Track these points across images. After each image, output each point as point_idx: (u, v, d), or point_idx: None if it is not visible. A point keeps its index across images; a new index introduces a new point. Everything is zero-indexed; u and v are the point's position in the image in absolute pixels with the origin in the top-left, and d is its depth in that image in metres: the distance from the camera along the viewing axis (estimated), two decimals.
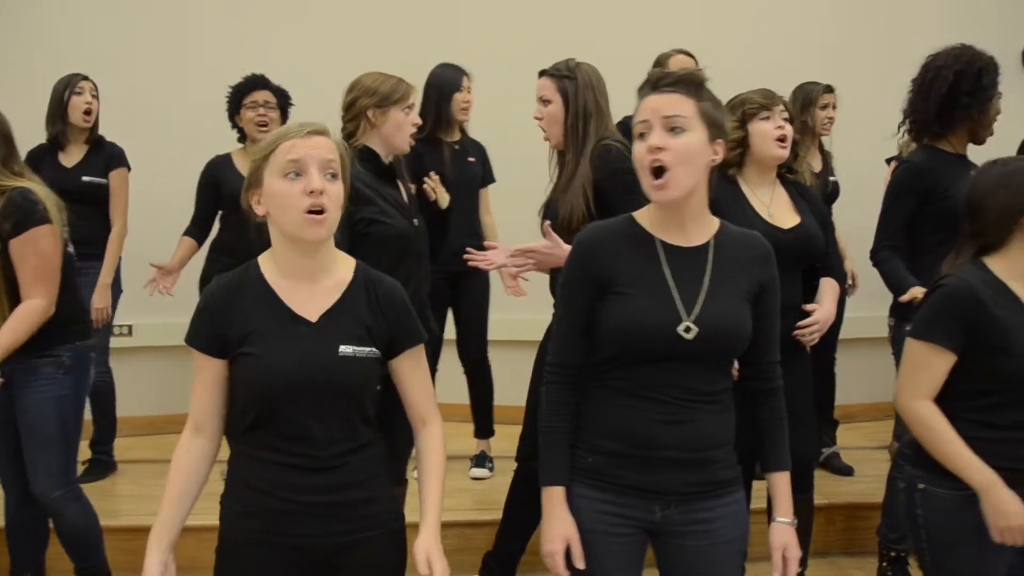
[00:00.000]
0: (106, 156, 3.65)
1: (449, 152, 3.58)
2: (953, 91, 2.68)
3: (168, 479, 1.69)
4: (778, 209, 2.64)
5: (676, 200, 1.68)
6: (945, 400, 1.92)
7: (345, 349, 1.65)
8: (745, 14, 4.53)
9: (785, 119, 2.62)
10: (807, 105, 3.72)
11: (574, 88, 2.57)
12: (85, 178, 3.59)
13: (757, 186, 2.65)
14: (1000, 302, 1.89)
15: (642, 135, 1.69)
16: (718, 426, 1.73)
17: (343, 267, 1.74)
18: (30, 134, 3.32)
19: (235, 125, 3.62)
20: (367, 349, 1.68)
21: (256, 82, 3.58)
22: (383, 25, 4.40)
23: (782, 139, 2.59)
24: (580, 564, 1.70)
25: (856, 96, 3.98)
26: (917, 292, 2.47)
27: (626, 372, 1.71)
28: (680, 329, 1.67)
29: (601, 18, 4.42)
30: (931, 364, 1.91)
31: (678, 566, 1.76)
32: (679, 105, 1.66)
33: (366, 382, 1.69)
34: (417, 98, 2.65)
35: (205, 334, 1.67)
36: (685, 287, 1.70)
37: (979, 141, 2.77)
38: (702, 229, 1.76)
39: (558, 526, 1.72)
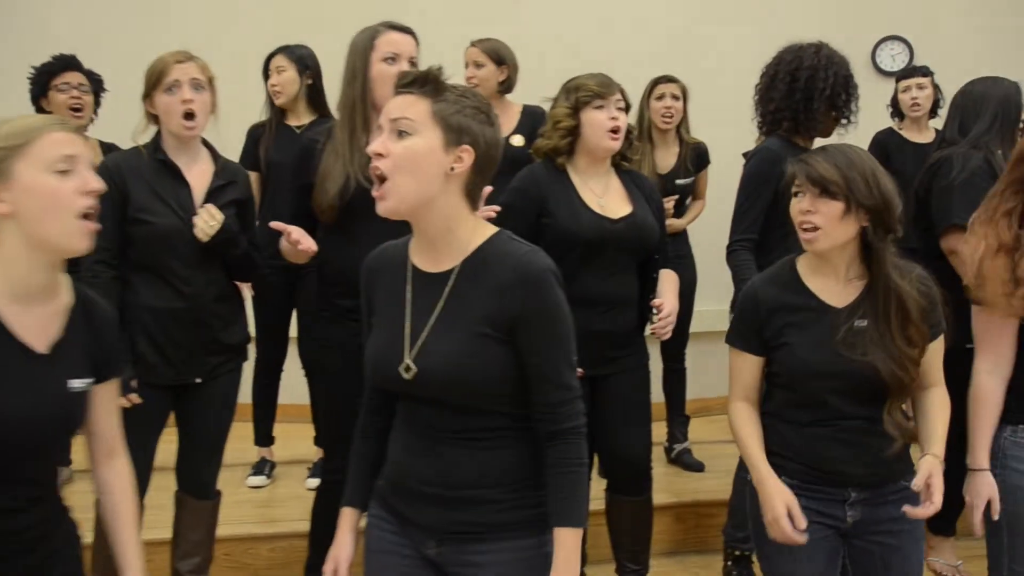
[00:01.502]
0: None
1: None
2: (820, 89, 2.62)
3: None
4: (610, 199, 2.54)
5: (397, 211, 1.48)
6: (764, 400, 1.92)
7: (75, 384, 1.50)
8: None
9: (620, 108, 2.52)
10: (645, 96, 3.68)
11: None
12: None
13: (589, 176, 2.55)
14: (790, 302, 1.83)
15: None
16: (487, 465, 1.54)
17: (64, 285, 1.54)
18: None
19: (40, 109, 3.23)
20: (88, 381, 1.53)
21: (68, 62, 3.25)
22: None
23: (615, 130, 2.49)
24: None
25: (709, 88, 3.98)
26: None
27: (394, 403, 1.61)
28: (400, 369, 1.51)
29: None
30: (737, 367, 1.92)
31: None
32: (409, 107, 1.47)
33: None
34: (185, 73, 2.38)
35: None
36: (418, 320, 1.52)
37: (826, 135, 2.72)
38: (454, 252, 1.52)
39: (335, 548, 1.66)
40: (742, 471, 2.72)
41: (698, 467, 3.68)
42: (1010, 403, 1.95)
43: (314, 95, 3.40)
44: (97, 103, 3.31)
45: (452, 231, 1.51)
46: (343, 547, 1.64)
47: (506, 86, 3.39)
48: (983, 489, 1.93)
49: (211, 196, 2.42)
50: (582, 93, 2.49)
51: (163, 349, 2.39)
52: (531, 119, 3.30)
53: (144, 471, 2.32)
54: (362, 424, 1.68)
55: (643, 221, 2.54)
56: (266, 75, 3.45)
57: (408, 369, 1.51)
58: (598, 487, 2.67)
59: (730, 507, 3.00)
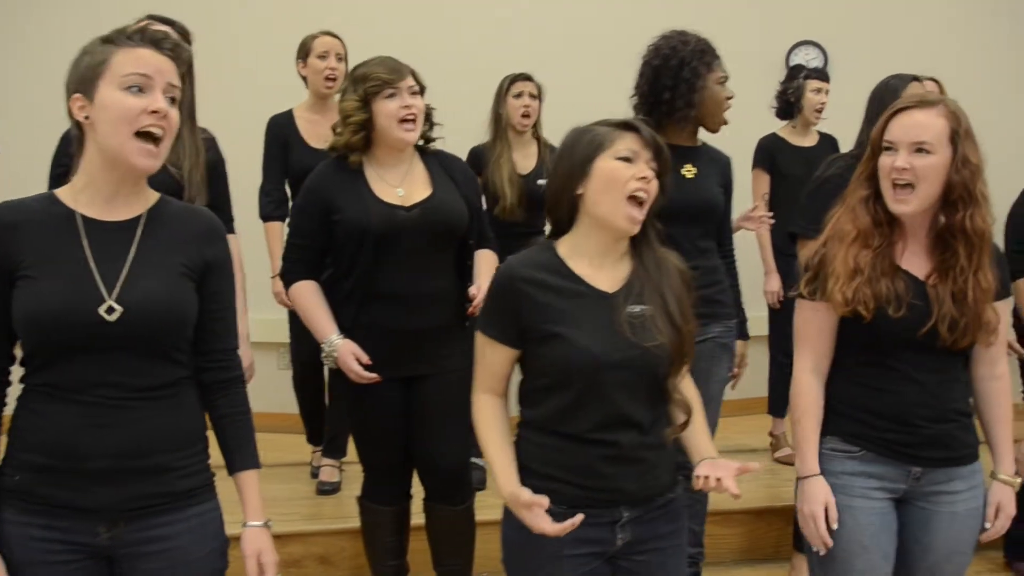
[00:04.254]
0: None
1: None
2: (659, 81, 2.47)
3: None
4: (410, 186, 2.38)
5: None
6: (526, 409, 1.71)
7: None
8: None
9: (414, 93, 2.33)
10: (499, 95, 3.52)
11: None
12: None
13: (388, 166, 2.38)
14: (555, 285, 1.64)
15: None
16: (169, 426, 1.51)
17: None
18: None
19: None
20: None
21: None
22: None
23: (408, 119, 2.31)
24: None
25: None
26: None
27: (46, 372, 1.47)
28: (102, 310, 1.44)
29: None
30: (488, 358, 1.72)
31: None
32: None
33: None
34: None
35: None
36: (109, 266, 1.48)
37: (710, 128, 2.57)
38: (133, 202, 1.53)
39: None
40: None
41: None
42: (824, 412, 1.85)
43: None
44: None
45: (139, 184, 1.54)
46: None
47: None
48: (819, 494, 1.80)
49: None
50: (370, 83, 2.30)
51: None
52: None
53: None
54: None
55: (441, 204, 2.37)
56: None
57: (111, 311, 1.45)
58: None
59: None
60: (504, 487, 1.62)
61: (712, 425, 2.76)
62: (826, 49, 4.62)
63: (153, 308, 1.47)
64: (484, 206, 2.61)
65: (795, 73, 3.91)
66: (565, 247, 1.69)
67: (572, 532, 1.58)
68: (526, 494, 1.56)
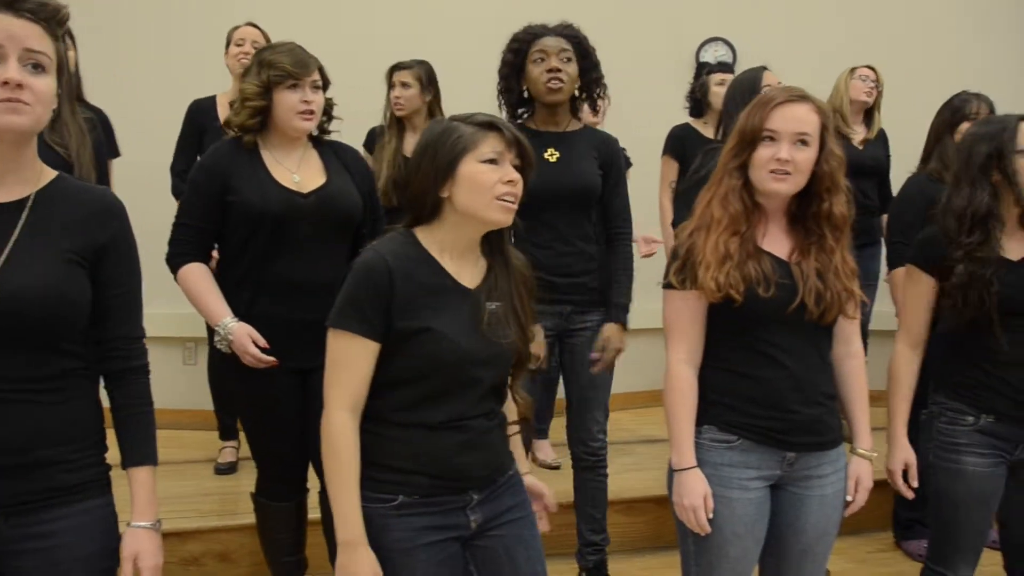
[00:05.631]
0: None
1: None
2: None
3: None
4: (305, 173, 2.36)
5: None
6: (381, 397, 1.62)
7: None
8: None
9: (316, 88, 2.34)
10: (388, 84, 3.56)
11: None
12: None
13: (284, 153, 2.36)
14: (424, 279, 1.62)
15: None
16: (54, 419, 1.43)
17: None
18: None
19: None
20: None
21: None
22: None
23: (308, 113, 2.31)
24: None
25: None
26: None
27: None
28: None
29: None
30: (351, 357, 1.59)
31: None
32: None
33: None
34: None
35: None
36: None
37: (545, 103, 2.64)
38: (19, 182, 1.44)
39: None
40: None
41: None
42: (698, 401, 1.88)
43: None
44: None
45: (33, 163, 1.46)
46: None
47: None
48: (698, 487, 1.83)
49: None
50: (274, 72, 2.29)
51: None
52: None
53: None
54: None
55: (338, 192, 2.36)
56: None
57: None
58: None
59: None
60: (352, 530, 1.57)
61: (604, 410, 2.81)
62: (734, 45, 4.72)
63: (30, 300, 1.38)
64: None
65: (699, 71, 4.00)
66: (428, 239, 1.66)
67: (425, 520, 1.60)
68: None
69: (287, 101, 2.29)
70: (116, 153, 3.26)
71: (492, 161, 1.62)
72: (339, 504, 1.57)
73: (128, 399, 1.54)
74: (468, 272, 1.68)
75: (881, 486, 3.36)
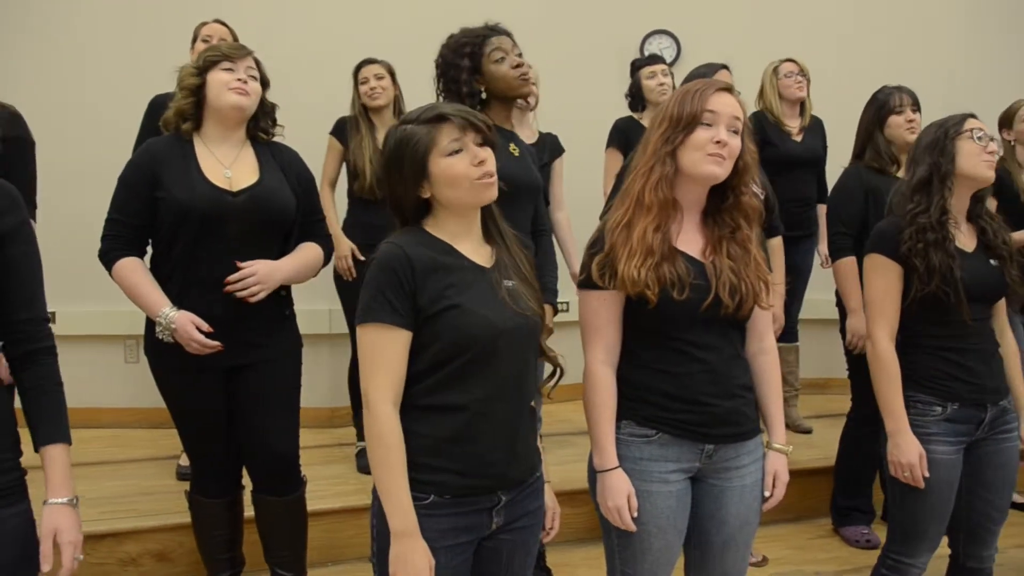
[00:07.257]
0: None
1: None
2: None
3: None
4: (238, 170, 2.36)
5: None
6: (409, 387, 1.62)
7: None
8: None
9: (253, 77, 2.36)
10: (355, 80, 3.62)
11: None
12: None
13: (218, 144, 2.36)
14: (442, 261, 1.65)
15: None
16: None
17: None
18: None
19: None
20: None
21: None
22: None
23: (240, 89, 2.33)
24: None
25: None
26: None
27: None
28: None
29: None
30: (387, 350, 1.59)
31: None
32: None
33: None
34: None
35: None
36: None
37: (517, 96, 2.61)
38: None
39: None
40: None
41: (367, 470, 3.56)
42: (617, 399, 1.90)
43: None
44: None
45: None
46: None
47: None
48: (621, 488, 1.85)
49: None
50: (210, 54, 2.35)
51: None
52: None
53: None
54: None
55: (270, 192, 2.37)
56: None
57: None
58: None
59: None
60: (406, 521, 1.57)
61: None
62: (679, 38, 4.74)
63: None
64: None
65: (633, 67, 4.02)
66: (434, 230, 1.70)
67: (451, 521, 1.61)
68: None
69: (219, 78, 2.32)
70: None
71: (456, 151, 1.64)
72: (391, 496, 1.57)
73: (37, 380, 1.53)
74: (480, 254, 1.72)
75: (820, 473, 3.48)
